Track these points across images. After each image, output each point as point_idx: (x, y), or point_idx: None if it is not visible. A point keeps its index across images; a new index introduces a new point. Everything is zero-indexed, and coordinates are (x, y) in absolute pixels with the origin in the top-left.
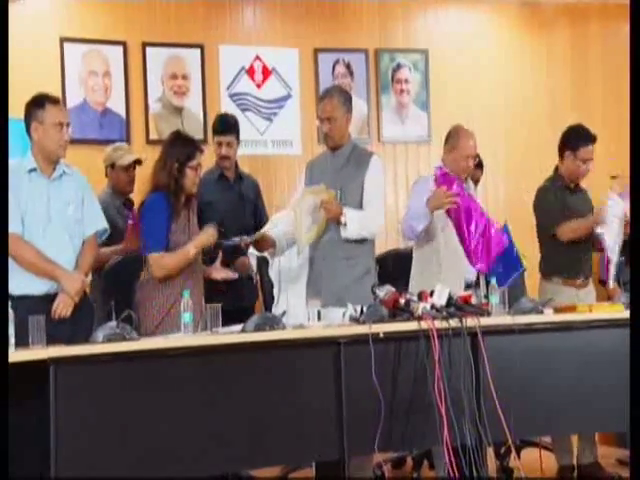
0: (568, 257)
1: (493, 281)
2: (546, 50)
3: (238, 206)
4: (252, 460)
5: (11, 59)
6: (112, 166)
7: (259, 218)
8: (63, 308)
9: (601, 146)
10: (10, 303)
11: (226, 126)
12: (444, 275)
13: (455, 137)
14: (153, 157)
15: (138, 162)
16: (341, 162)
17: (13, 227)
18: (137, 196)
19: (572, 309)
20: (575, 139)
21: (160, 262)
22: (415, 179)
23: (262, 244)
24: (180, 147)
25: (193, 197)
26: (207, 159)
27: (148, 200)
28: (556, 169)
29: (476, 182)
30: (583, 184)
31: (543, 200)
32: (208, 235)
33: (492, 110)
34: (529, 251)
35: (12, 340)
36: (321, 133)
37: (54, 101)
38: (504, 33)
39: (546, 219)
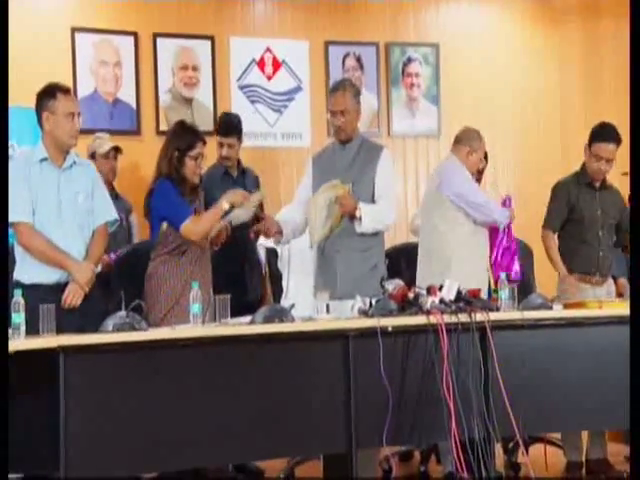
0: (582, 254)
1: (503, 276)
2: (557, 45)
3: None
4: (260, 451)
5: (23, 49)
6: (93, 156)
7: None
8: (73, 298)
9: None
10: (21, 291)
11: (228, 128)
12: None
13: (477, 140)
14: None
15: (117, 150)
16: (351, 155)
17: (24, 216)
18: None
19: (581, 305)
20: (594, 135)
21: (196, 224)
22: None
23: (269, 228)
24: (181, 136)
25: (197, 189)
26: (212, 153)
27: (157, 186)
28: (583, 165)
29: (480, 172)
30: None
31: (552, 195)
32: (239, 194)
33: (502, 105)
34: (539, 247)
35: (23, 328)
36: (332, 126)
37: (65, 91)
38: (515, 28)
39: (547, 214)
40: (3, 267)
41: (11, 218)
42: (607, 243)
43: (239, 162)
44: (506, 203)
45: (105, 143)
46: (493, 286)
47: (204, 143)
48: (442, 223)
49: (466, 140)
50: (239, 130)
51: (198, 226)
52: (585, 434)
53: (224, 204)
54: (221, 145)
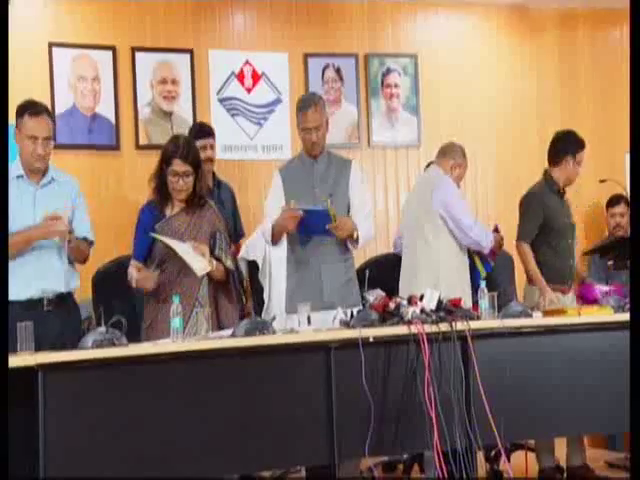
0: (557, 265)
1: (483, 285)
2: (535, 54)
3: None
4: (243, 464)
5: None
6: None
7: (236, 222)
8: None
9: (590, 150)
10: None
11: (207, 130)
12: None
13: (460, 155)
14: (142, 162)
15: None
16: (323, 168)
17: None
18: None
19: (561, 312)
20: (574, 144)
21: (132, 273)
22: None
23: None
24: (165, 150)
25: (194, 200)
26: None
27: (140, 210)
28: (545, 173)
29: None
30: (573, 184)
31: (525, 206)
32: (149, 279)
33: (481, 114)
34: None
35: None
36: (306, 142)
37: (34, 113)
38: (493, 37)
39: (521, 226)
40: (3, 276)
41: None
42: (574, 250)
43: (214, 174)
44: (496, 230)
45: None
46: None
47: (187, 162)
48: (431, 233)
49: (450, 153)
50: (214, 133)
51: (134, 279)
52: (562, 440)
53: (148, 284)
54: (204, 148)
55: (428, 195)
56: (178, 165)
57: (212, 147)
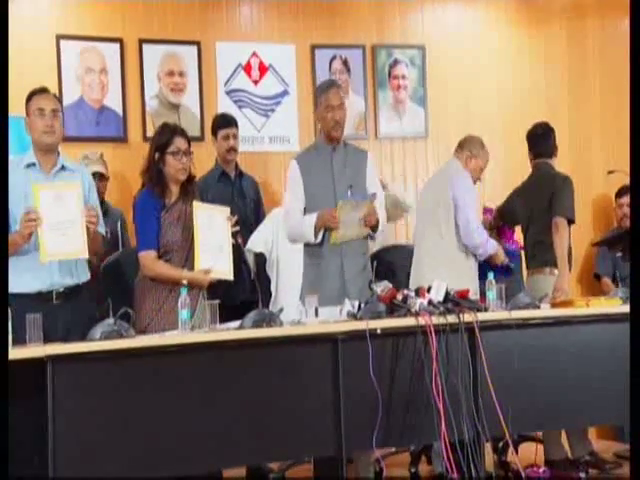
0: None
1: (490, 276)
2: (543, 45)
3: (239, 203)
4: (250, 456)
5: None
6: None
7: (260, 215)
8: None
9: (598, 141)
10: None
11: (229, 119)
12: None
13: (477, 146)
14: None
15: (102, 177)
16: (342, 157)
17: None
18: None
19: (569, 304)
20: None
21: (151, 266)
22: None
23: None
24: (158, 135)
25: (189, 188)
26: (206, 158)
27: (137, 199)
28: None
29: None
30: (581, 176)
31: (569, 187)
32: (203, 277)
33: (489, 105)
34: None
35: (9, 337)
36: (329, 122)
37: (39, 91)
38: (501, 28)
39: (566, 204)
40: (3, 272)
41: None
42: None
43: (236, 164)
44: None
45: (91, 165)
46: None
47: (186, 140)
48: (444, 225)
49: (467, 145)
50: (237, 123)
51: (153, 269)
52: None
53: (183, 279)
54: (227, 137)
55: (443, 187)
56: (180, 142)
57: (235, 136)
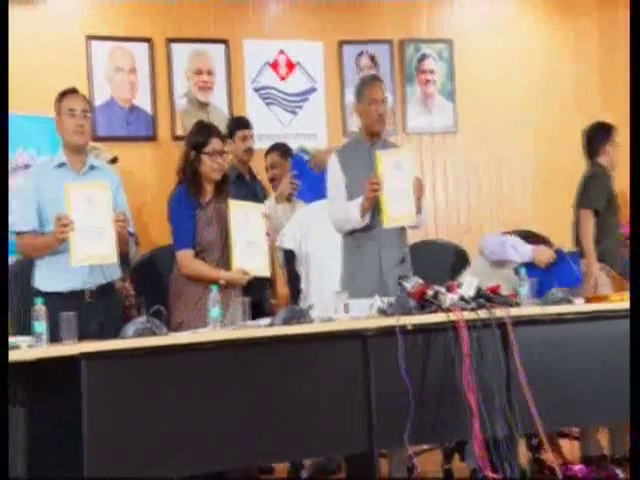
0: (613, 247)
1: (523, 272)
2: (573, 38)
3: None
4: (281, 453)
5: (39, 59)
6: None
7: None
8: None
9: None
10: (42, 300)
11: (245, 121)
12: None
13: None
14: (179, 153)
15: (114, 160)
16: None
17: (26, 226)
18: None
19: (604, 299)
20: (605, 132)
21: (190, 265)
22: None
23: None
24: (195, 134)
25: (224, 186)
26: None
27: (173, 196)
28: (593, 164)
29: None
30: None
31: (596, 178)
32: (241, 276)
33: (519, 99)
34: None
35: (45, 336)
36: (371, 115)
37: (70, 92)
38: (530, 20)
39: (589, 195)
40: (3, 272)
41: (17, 227)
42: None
43: (250, 168)
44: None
45: (103, 154)
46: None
47: (221, 139)
48: None
49: None
50: (252, 125)
51: (193, 268)
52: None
53: (221, 279)
54: (244, 138)
55: None
56: (217, 143)
57: (251, 137)
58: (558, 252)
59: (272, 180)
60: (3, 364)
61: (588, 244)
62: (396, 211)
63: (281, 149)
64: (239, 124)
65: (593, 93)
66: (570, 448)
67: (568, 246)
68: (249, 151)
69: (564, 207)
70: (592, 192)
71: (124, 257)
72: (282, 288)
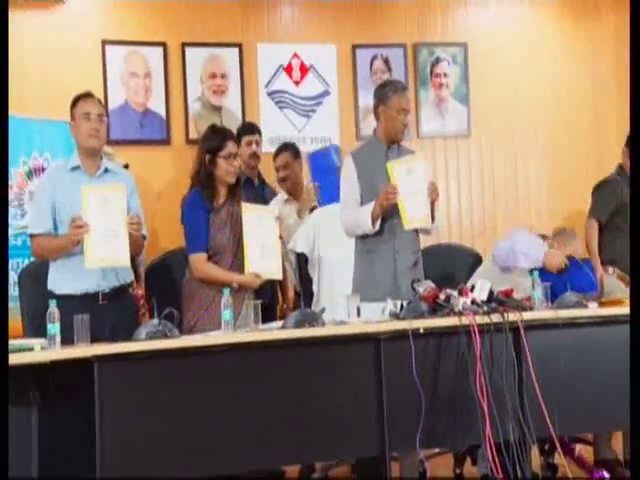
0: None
1: (535, 275)
2: (589, 40)
3: None
4: (292, 456)
5: (53, 63)
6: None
7: None
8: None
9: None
10: (55, 302)
11: (252, 126)
12: None
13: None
14: (192, 157)
15: (125, 167)
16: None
17: (41, 228)
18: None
19: (618, 303)
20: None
21: (203, 268)
22: None
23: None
24: (210, 138)
25: (237, 190)
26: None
27: (186, 199)
28: (619, 167)
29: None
30: None
31: (603, 189)
32: (253, 280)
33: (533, 103)
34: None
35: (58, 338)
36: (397, 124)
37: (85, 96)
38: (545, 23)
39: (598, 204)
40: (3, 271)
41: (32, 230)
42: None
43: (259, 172)
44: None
45: (115, 159)
46: None
47: (236, 143)
48: None
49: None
50: (259, 130)
51: (206, 272)
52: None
53: (234, 283)
54: (250, 143)
55: None
56: (232, 147)
57: (258, 143)
58: (571, 258)
59: (283, 180)
60: (3, 364)
61: (592, 247)
62: (414, 213)
63: (292, 149)
64: (244, 130)
65: (609, 94)
66: (585, 453)
67: (583, 247)
68: (254, 156)
69: (579, 209)
70: (598, 202)
71: (133, 260)
72: (292, 291)
